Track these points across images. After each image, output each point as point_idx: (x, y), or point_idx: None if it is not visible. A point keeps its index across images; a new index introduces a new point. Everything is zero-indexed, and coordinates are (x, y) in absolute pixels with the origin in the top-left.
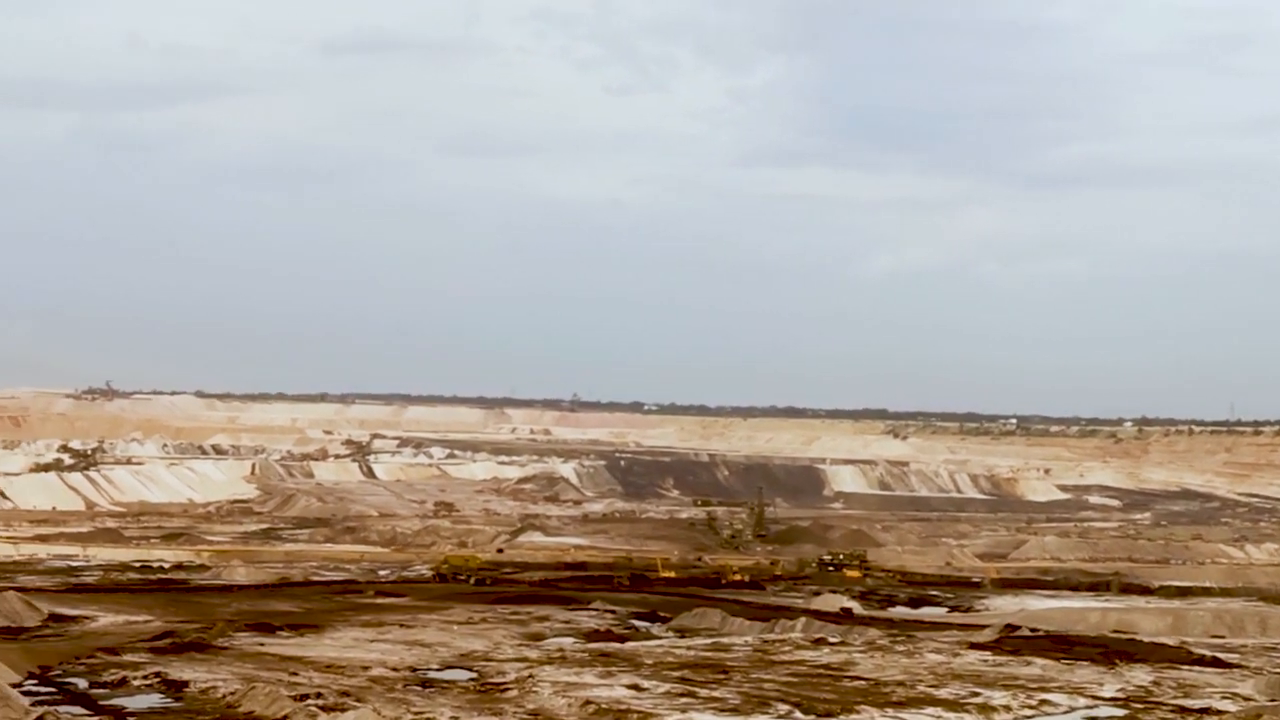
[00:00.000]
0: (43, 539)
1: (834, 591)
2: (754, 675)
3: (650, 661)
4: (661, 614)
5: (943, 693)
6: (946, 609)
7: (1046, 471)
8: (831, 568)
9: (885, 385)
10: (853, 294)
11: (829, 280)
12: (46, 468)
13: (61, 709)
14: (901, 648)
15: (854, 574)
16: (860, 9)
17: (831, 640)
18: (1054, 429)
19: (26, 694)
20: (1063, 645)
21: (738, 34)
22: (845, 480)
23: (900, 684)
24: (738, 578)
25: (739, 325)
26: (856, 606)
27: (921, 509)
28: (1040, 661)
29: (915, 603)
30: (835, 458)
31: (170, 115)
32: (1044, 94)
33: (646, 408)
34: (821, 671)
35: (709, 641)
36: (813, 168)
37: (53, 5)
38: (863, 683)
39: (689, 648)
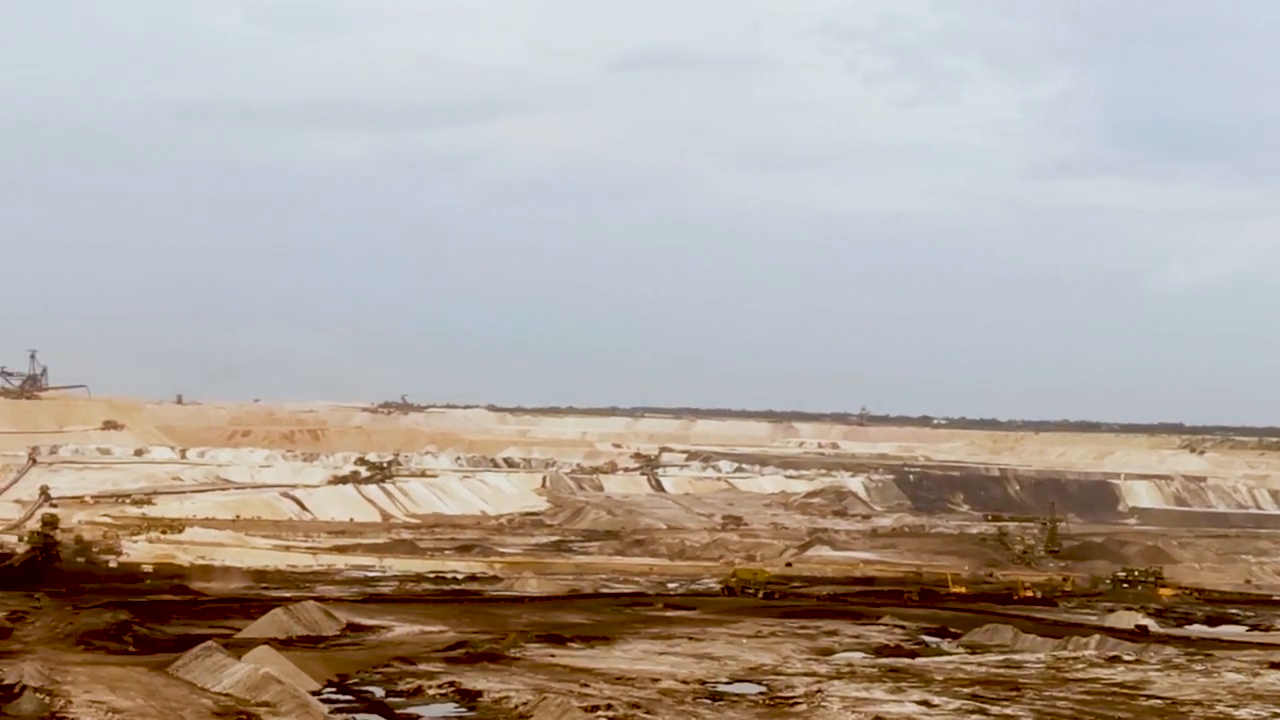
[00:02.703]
0: (340, 550)
1: (1129, 608)
2: (1046, 693)
3: (941, 678)
4: (952, 630)
5: (1242, 713)
6: (1246, 627)
7: None
8: (1126, 584)
9: (1181, 399)
10: (1147, 306)
11: (1123, 292)
12: (344, 480)
13: (359, 717)
14: (1199, 667)
15: (1166, 591)
16: (1155, 16)
17: (1126, 658)
18: None
19: (325, 702)
20: None
21: (1028, 45)
22: (1140, 496)
23: (1198, 704)
24: (1029, 594)
25: (1030, 338)
26: (1152, 624)
27: (1219, 525)
28: None
29: (1213, 621)
30: (1129, 473)
31: (462, 134)
32: None
33: (935, 421)
34: (1116, 690)
35: (1000, 658)
36: (1105, 179)
37: (350, 27)
38: (1159, 702)
39: (980, 664)
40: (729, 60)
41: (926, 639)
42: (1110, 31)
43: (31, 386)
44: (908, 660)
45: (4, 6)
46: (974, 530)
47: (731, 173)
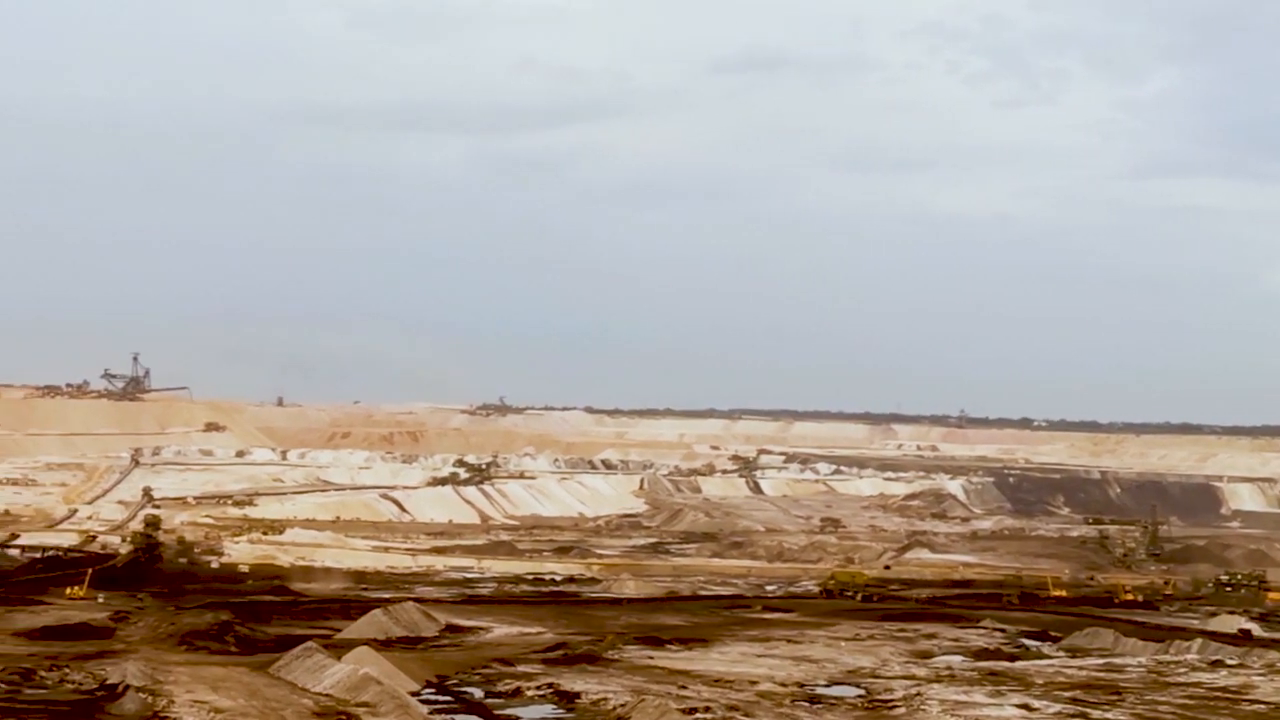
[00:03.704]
0: (439, 551)
1: (1232, 612)
2: (1148, 697)
3: (1041, 681)
4: (1052, 633)
5: None
6: None
7: None
8: (1229, 587)
9: None
10: (1251, 307)
11: (1225, 293)
12: (443, 481)
13: (458, 718)
14: None
15: (1273, 595)
16: (1260, 14)
17: (1229, 662)
18: None
19: (425, 702)
20: None
21: (1129, 44)
22: (1243, 499)
23: None
24: (1130, 597)
25: (1130, 339)
26: (1256, 628)
27: None
28: None
29: None
30: (1232, 475)
31: (561, 136)
32: None
33: (1035, 424)
34: (1219, 695)
35: (1101, 662)
36: (1208, 179)
37: (451, 31)
38: (1263, 707)
39: (1080, 668)
40: (829, 62)
41: (1026, 642)
42: (1216, 31)
43: (134, 388)
44: (1007, 664)
45: (109, 12)
46: (1074, 533)
47: (831, 174)
